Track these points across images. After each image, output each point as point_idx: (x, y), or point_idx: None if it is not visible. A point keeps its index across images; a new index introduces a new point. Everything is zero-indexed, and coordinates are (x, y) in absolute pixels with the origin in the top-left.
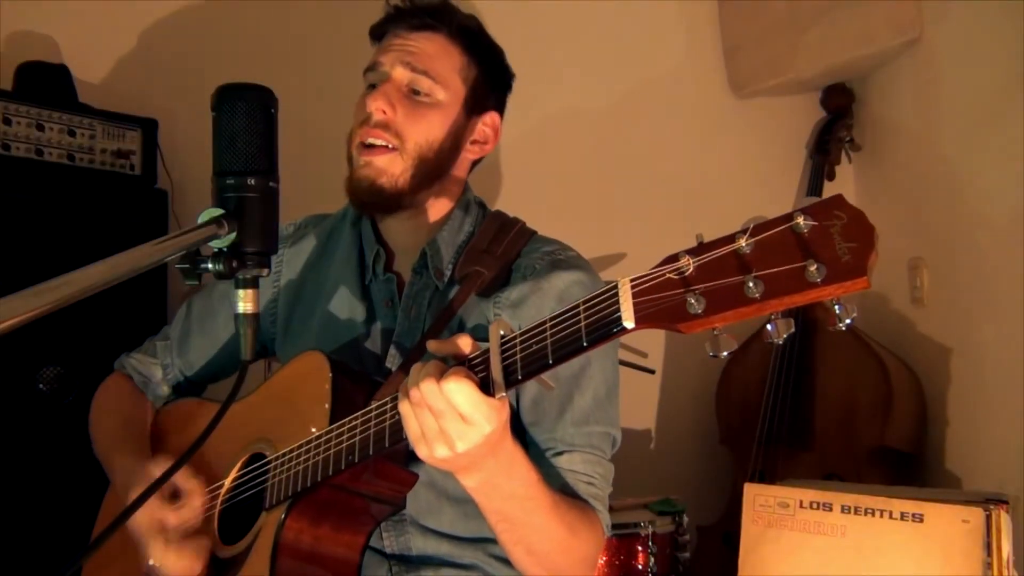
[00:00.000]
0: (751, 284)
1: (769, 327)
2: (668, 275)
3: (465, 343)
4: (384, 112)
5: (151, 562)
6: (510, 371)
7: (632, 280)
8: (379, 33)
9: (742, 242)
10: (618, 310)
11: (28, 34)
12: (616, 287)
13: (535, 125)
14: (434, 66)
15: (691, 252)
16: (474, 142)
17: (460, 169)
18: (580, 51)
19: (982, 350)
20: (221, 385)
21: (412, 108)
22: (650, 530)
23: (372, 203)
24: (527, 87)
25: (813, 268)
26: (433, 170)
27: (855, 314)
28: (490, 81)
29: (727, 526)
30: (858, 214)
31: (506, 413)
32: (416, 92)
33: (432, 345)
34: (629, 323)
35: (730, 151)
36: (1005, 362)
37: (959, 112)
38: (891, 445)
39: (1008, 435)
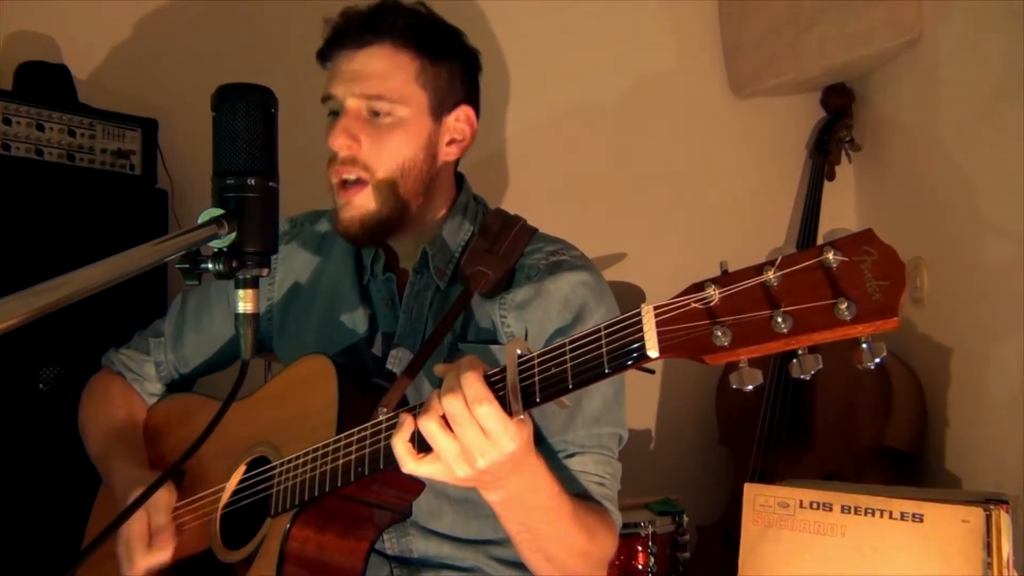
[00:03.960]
0: (779, 319)
1: (794, 362)
2: (693, 304)
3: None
4: (349, 147)
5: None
6: (528, 392)
7: (656, 308)
8: (326, 56)
9: (770, 274)
10: (642, 338)
11: (28, 34)
12: (640, 315)
13: (534, 125)
14: (387, 85)
15: (716, 282)
16: (451, 142)
17: (444, 172)
18: (579, 51)
19: (982, 350)
20: (215, 378)
21: (375, 134)
22: (650, 530)
23: (365, 240)
24: (527, 87)
25: (843, 306)
26: (413, 187)
27: (884, 354)
28: (453, 74)
29: (727, 526)
30: (889, 251)
31: (528, 430)
32: (376, 113)
33: (439, 369)
34: (653, 352)
35: (730, 151)
36: (1005, 362)
37: (959, 112)
38: (891, 445)
39: (1008, 435)
